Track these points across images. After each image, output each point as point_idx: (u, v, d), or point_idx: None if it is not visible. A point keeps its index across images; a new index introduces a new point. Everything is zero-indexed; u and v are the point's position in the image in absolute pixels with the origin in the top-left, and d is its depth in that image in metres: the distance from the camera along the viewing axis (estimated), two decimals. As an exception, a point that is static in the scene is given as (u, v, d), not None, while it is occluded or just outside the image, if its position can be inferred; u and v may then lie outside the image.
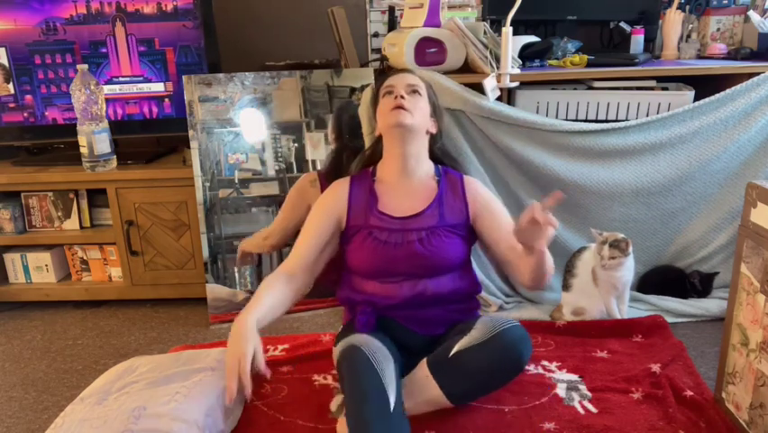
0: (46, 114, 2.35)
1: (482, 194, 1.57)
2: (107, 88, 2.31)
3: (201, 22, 2.26)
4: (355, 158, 1.70)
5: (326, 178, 2.11)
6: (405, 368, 1.45)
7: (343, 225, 1.54)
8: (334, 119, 2.14)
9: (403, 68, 1.67)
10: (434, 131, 1.58)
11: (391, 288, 1.48)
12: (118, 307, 2.32)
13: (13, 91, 2.31)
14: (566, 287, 1.93)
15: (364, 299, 1.50)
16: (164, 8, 2.25)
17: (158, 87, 2.34)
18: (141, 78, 2.33)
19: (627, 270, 1.85)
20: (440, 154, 1.63)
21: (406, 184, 1.54)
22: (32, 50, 2.29)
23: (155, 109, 2.36)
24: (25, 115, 2.35)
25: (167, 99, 2.35)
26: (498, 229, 1.51)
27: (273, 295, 1.44)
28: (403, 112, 1.47)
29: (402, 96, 1.49)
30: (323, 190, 2.08)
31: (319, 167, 2.16)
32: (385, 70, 1.64)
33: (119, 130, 2.32)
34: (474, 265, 1.67)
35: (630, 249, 1.83)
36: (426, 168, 1.57)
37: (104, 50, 2.30)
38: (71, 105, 2.19)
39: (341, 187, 1.59)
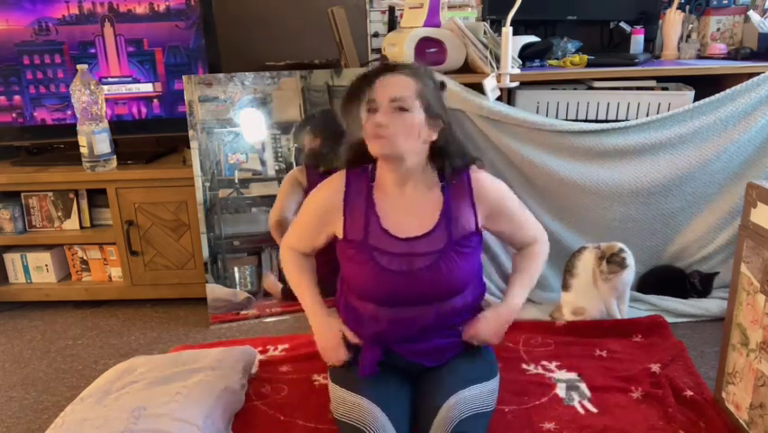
0: (35, 114, 2.35)
1: (491, 192, 1.38)
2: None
3: (194, 22, 2.25)
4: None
5: (308, 166, 2.15)
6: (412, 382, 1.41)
7: (340, 234, 1.37)
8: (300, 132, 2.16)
9: (392, 64, 1.36)
10: (433, 138, 1.32)
11: (394, 315, 1.34)
12: (118, 307, 2.32)
13: None
14: (566, 287, 1.93)
15: (369, 334, 1.37)
16: (156, 8, 2.25)
17: (146, 88, 2.34)
18: (129, 79, 2.33)
19: (628, 272, 1.85)
20: (444, 153, 1.36)
21: (408, 196, 1.35)
22: (21, 50, 2.28)
23: (144, 110, 2.36)
24: (14, 115, 2.34)
25: (155, 100, 2.34)
26: (509, 225, 1.41)
27: (311, 276, 1.52)
28: (381, 141, 1.26)
29: (380, 125, 1.25)
30: (308, 178, 2.11)
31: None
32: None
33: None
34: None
35: (628, 261, 1.83)
36: (429, 175, 1.37)
37: (92, 51, 2.29)
38: (60, 106, 2.20)
39: (335, 186, 1.39)
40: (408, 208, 1.35)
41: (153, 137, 2.52)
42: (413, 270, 1.31)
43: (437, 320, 1.35)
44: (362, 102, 1.32)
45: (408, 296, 1.32)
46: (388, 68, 1.33)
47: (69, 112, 2.32)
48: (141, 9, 2.25)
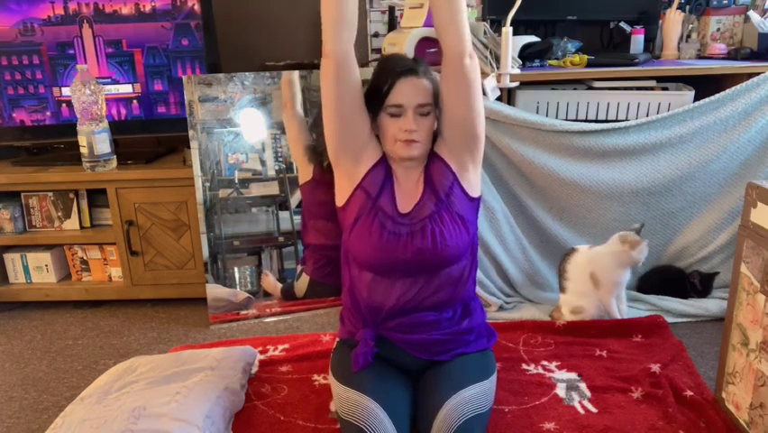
0: (13, 115, 2.33)
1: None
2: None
3: (179, 23, 2.24)
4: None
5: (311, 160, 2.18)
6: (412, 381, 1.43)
7: (362, 162, 1.40)
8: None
9: (407, 66, 1.39)
10: (435, 127, 1.42)
11: (389, 287, 1.38)
12: (118, 307, 2.32)
13: None
14: (562, 289, 1.94)
15: (365, 311, 1.42)
16: (142, 9, 2.23)
17: (126, 89, 2.33)
18: (108, 80, 2.31)
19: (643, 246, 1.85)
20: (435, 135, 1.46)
21: (412, 185, 1.43)
22: None
23: (123, 111, 2.35)
24: None
25: (135, 101, 2.33)
26: (444, 98, 1.38)
27: None
28: (413, 145, 1.35)
29: (413, 130, 1.34)
30: (314, 172, 2.17)
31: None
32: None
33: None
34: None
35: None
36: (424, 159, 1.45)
37: (71, 52, 2.28)
38: (39, 107, 2.18)
39: (379, 151, 1.44)
40: (408, 187, 1.42)
41: (152, 137, 2.52)
42: (411, 232, 1.36)
43: (428, 294, 1.38)
44: (383, 104, 1.37)
45: (404, 262, 1.36)
46: (410, 71, 1.37)
47: (48, 113, 2.32)
48: (126, 10, 2.23)
